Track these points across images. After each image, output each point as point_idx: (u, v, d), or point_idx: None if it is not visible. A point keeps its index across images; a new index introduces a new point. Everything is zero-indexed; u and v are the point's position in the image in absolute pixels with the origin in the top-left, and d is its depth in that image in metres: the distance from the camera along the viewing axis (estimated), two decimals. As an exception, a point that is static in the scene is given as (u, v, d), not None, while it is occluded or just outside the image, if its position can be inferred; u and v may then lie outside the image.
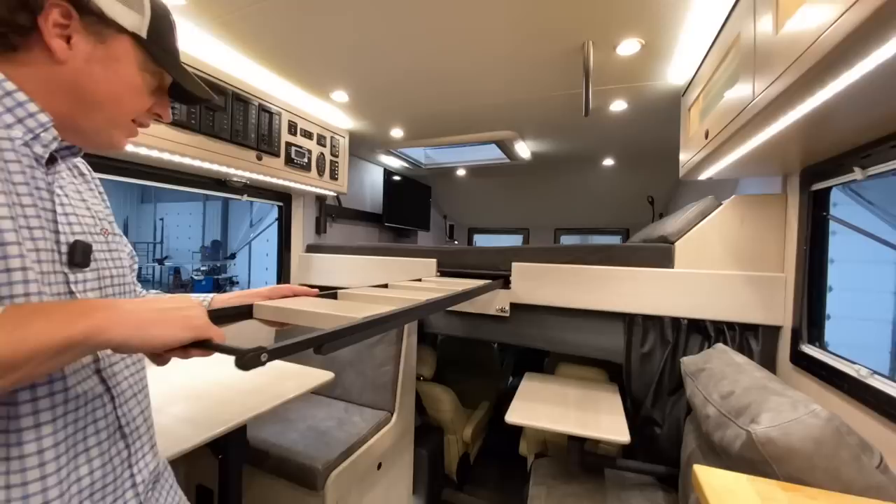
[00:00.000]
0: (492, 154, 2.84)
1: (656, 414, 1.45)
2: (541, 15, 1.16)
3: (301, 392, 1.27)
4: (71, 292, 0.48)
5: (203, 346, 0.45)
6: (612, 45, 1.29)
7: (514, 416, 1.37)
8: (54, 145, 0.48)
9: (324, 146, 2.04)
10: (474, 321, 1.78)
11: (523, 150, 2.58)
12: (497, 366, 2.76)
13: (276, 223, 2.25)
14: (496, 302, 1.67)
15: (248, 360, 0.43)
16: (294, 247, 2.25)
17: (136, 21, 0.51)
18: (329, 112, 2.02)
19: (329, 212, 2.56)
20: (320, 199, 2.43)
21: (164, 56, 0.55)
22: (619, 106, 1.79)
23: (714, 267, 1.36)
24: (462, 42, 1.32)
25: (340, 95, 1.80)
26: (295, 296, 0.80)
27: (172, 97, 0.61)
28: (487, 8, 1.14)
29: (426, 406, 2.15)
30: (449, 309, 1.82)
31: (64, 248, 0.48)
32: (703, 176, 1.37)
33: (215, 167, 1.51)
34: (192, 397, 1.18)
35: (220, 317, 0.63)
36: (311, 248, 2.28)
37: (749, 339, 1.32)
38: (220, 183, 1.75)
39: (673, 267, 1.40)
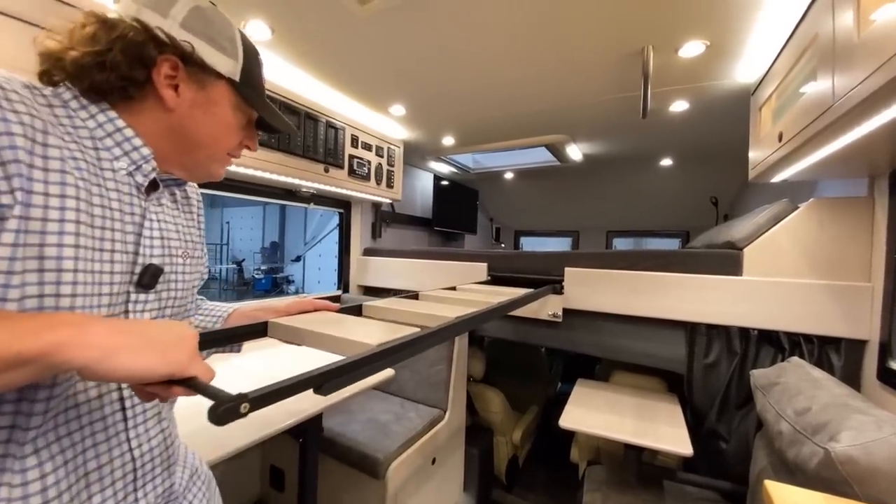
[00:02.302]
0: (541, 157, 2.83)
1: (721, 428, 1.38)
2: (600, 25, 1.17)
3: (366, 387, 1.37)
4: (126, 311, 0.51)
5: (183, 384, 0.40)
6: (673, 48, 1.26)
7: (567, 421, 1.38)
8: (153, 175, 0.53)
9: (381, 157, 2.16)
10: (525, 325, 1.80)
11: (574, 152, 2.55)
12: (546, 370, 2.74)
13: (338, 228, 2.42)
14: (548, 307, 1.68)
15: (222, 413, 0.36)
16: (353, 250, 2.39)
17: (232, 67, 0.56)
18: (387, 125, 2.13)
19: (383, 217, 2.69)
20: (376, 205, 2.57)
21: (253, 96, 0.60)
22: (679, 106, 1.73)
23: (789, 275, 1.28)
24: (516, 52, 1.36)
25: (398, 109, 1.91)
26: (315, 310, 0.79)
27: (258, 128, 0.66)
28: (546, 21, 1.17)
29: (477, 406, 2.20)
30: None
31: (138, 269, 0.52)
32: (778, 178, 1.30)
33: (289, 179, 1.67)
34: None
35: (233, 336, 0.65)
36: (367, 252, 2.42)
37: (829, 353, 1.22)
38: (291, 193, 1.93)
39: (741, 274, 1.33)
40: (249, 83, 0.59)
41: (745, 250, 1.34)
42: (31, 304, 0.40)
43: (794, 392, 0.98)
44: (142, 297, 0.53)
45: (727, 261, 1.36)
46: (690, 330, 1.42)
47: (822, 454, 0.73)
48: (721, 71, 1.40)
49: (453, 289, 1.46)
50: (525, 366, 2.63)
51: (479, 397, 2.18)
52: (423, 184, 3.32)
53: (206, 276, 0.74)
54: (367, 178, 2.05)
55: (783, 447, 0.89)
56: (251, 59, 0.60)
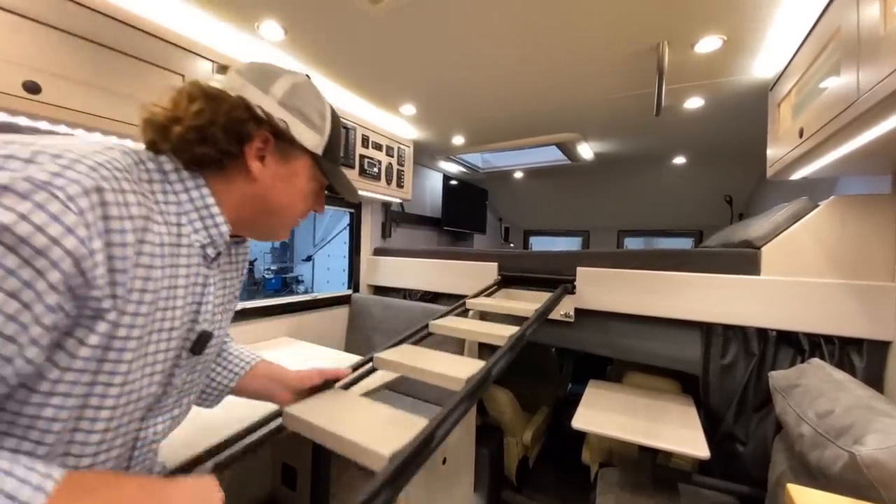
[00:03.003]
0: (551, 156, 2.81)
1: (738, 430, 1.36)
2: (613, 21, 1.16)
3: (377, 385, 1.37)
4: (172, 374, 0.53)
5: None
6: (689, 43, 1.24)
7: (580, 422, 1.37)
8: (221, 248, 0.56)
9: (391, 157, 2.17)
10: (540, 325, 1.78)
11: (586, 151, 2.53)
12: (556, 371, 2.72)
13: (347, 228, 2.43)
14: (560, 307, 1.67)
15: None
16: (363, 250, 2.41)
17: (317, 142, 0.59)
18: (397, 124, 2.14)
19: (393, 217, 2.70)
20: (386, 205, 2.58)
21: (331, 169, 0.62)
22: (694, 103, 1.70)
23: (809, 274, 1.25)
24: (527, 50, 1.35)
25: (408, 109, 1.91)
26: (325, 380, 0.80)
27: (327, 191, 0.67)
28: (557, 18, 1.16)
29: (487, 407, 2.19)
30: (508, 313, 1.85)
31: (193, 337, 0.54)
32: (797, 175, 1.27)
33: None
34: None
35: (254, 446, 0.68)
36: (377, 252, 2.43)
37: (851, 354, 1.19)
38: (302, 192, 1.94)
39: (759, 274, 1.31)
40: (330, 156, 0.62)
41: (764, 249, 1.31)
42: (79, 390, 0.41)
43: (815, 394, 0.95)
44: (188, 360, 0.55)
45: (744, 260, 1.34)
46: (706, 330, 1.40)
47: (846, 457, 0.72)
48: (738, 66, 1.37)
49: (464, 312, 1.50)
50: (536, 366, 2.61)
51: (489, 397, 2.17)
52: (433, 183, 3.32)
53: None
54: (377, 177, 2.05)
55: (804, 450, 0.87)
56: (335, 131, 0.62)
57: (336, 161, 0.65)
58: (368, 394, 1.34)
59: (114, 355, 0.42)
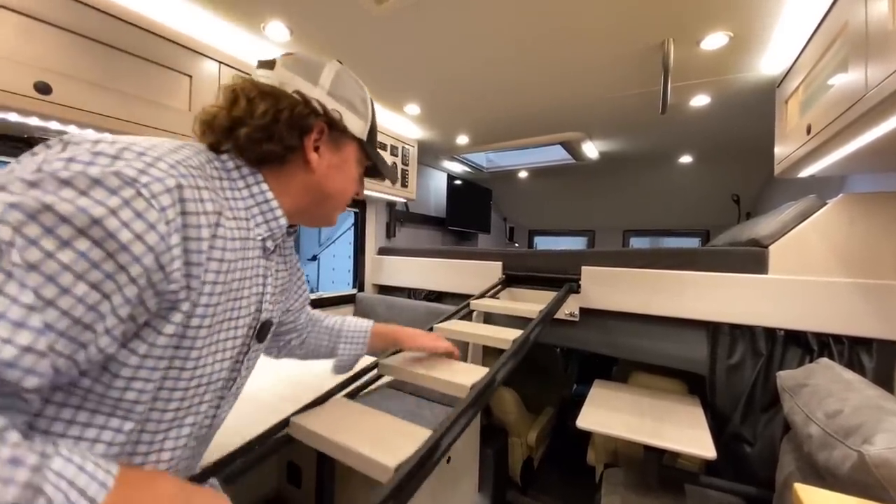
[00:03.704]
0: (556, 155, 2.80)
1: (746, 431, 1.34)
2: (619, 17, 1.15)
3: (381, 384, 1.37)
4: (240, 361, 0.56)
5: None
6: (694, 40, 1.23)
7: (585, 421, 1.36)
8: (280, 241, 0.59)
9: (396, 156, 2.17)
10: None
11: (591, 150, 2.52)
12: (561, 371, 2.71)
13: (352, 228, 2.44)
14: (565, 306, 1.66)
15: None
16: (368, 249, 2.41)
17: (363, 128, 0.61)
18: (401, 124, 2.15)
19: (397, 217, 2.71)
20: (391, 205, 2.58)
21: (374, 153, 0.65)
22: (700, 101, 1.69)
23: (817, 273, 1.23)
24: (532, 49, 1.35)
25: (413, 108, 1.91)
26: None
27: (365, 174, 0.70)
28: (562, 16, 1.16)
29: (491, 407, 2.19)
30: (512, 314, 1.85)
31: (257, 325, 0.57)
32: (805, 173, 1.25)
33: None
34: (293, 381, 1.34)
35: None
36: (382, 251, 2.44)
37: (860, 354, 1.18)
38: (307, 192, 1.95)
39: (766, 273, 1.29)
40: (371, 139, 0.65)
41: (771, 248, 1.30)
42: (157, 375, 0.43)
43: (824, 394, 0.94)
44: (255, 346, 0.58)
45: (752, 259, 1.33)
46: (713, 330, 1.39)
47: (855, 457, 0.71)
48: (745, 63, 1.36)
49: (469, 313, 1.49)
50: (540, 366, 2.60)
51: (493, 398, 2.17)
52: (437, 183, 3.32)
53: (308, 297, 0.83)
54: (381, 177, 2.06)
55: (813, 451, 0.86)
56: (374, 114, 0.65)
57: (375, 143, 0.67)
58: (371, 392, 1.34)
59: (187, 342, 0.44)
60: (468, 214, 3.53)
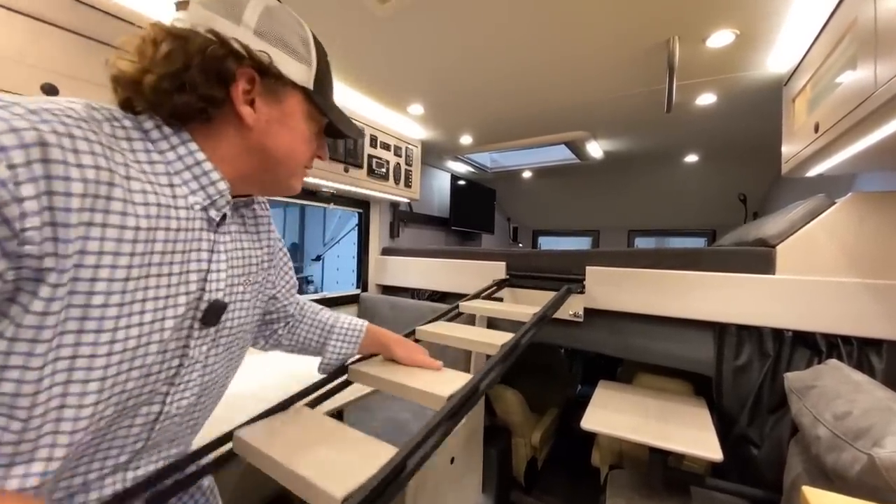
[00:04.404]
0: (560, 155, 2.79)
1: (753, 433, 1.33)
2: (623, 15, 1.15)
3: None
4: (186, 347, 0.49)
5: None
6: (700, 38, 1.22)
7: (589, 422, 1.35)
8: (226, 210, 0.51)
9: (399, 156, 2.18)
10: (547, 325, 1.77)
11: (595, 149, 2.51)
12: (565, 372, 2.70)
13: (356, 229, 2.45)
14: (569, 306, 1.65)
15: None
16: (371, 249, 2.42)
17: (306, 74, 0.52)
18: (405, 124, 2.15)
19: (401, 217, 2.71)
20: (394, 205, 2.59)
21: (325, 104, 0.56)
22: (706, 99, 1.68)
23: (826, 273, 1.22)
24: (540, 48, 1.35)
25: (416, 108, 1.92)
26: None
27: (326, 134, 0.62)
28: (566, 14, 1.15)
29: (495, 407, 2.18)
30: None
31: (203, 307, 0.49)
32: (813, 172, 1.24)
33: (311, 180, 1.69)
34: (297, 378, 1.34)
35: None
36: (386, 251, 2.44)
37: (870, 355, 1.16)
38: (311, 193, 1.96)
39: (774, 273, 1.28)
40: (321, 90, 0.55)
41: (779, 248, 1.29)
42: (65, 352, 0.38)
43: (832, 396, 0.93)
44: (202, 332, 0.51)
45: (759, 259, 1.31)
46: (719, 331, 1.37)
47: (865, 460, 0.70)
48: (751, 61, 1.35)
49: (457, 315, 1.36)
50: (544, 367, 2.59)
51: (497, 398, 2.16)
52: (441, 183, 3.32)
53: (295, 283, 0.78)
54: (385, 177, 2.06)
55: (821, 453, 0.84)
56: (322, 61, 0.56)
57: (329, 95, 0.58)
58: (361, 398, 1.28)
59: (76, 324, 0.38)
60: (472, 215, 3.52)
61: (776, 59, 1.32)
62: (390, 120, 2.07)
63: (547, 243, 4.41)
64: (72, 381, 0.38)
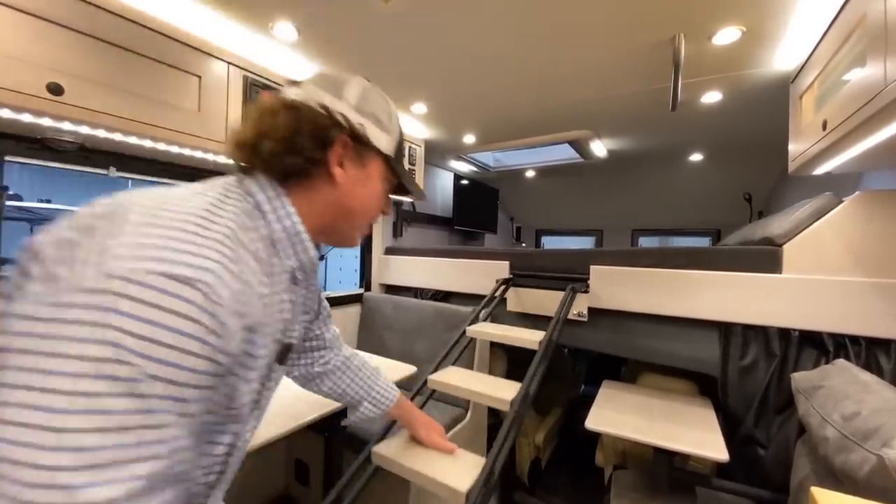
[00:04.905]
0: (564, 154, 2.78)
1: (759, 433, 1.32)
2: (628, 12, 1.14)
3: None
4: (263, 385, 0.56)
5: None
6: (706, 35, 1.21)
7: (593, 422, 1.34)
8: (310, 270, 0.59)
9: (403, 156, 2.17)
10: (548, 324, 1.77)
11: (599, 148, 2.50)
12: (569, 372, 2.69)
13: (359, 227, 2.45)
14: (573, 306, 1.65)
15: None
16: (375, 249, 2.42)
17: (388, 143, 0.60)
18: (408, 123, 2.15)
19: (404, 217, 2.71)
20: (397, 204, 2.59)
21: (401, 169, 0.63)
22: (712, 97, 1.66)
23: (833, 272, 1.20)
24: (543, 46, 1.34)
25: (419, 108, 1.91)
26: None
27: (392, 192, 0.69)
28: (570, 12, 1.15)
29: (498, 406, 2.18)
30: (521, 311, 1.84)
31: (281, 349, 0.57)
32: (821, 170, 1.23)
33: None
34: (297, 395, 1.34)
35: None
36: (389, 251, 2.44)
37: (878, 355, 1.15)
38: (315, 192, 1.96)
39: (780, 272, 1.27)
40: (398, 156, 0.63)
41: (785, 247, 1.28)
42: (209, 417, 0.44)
43: (840, 396, 0.92)
44: (276, 369, 0.58)
45: (765, 258, 1.30)
46: (725, 330, 1.36)
47: (874, 461, 0.69)
48: (758, 58, 1.33)
49: (468, 341, 1.52)
50: (548, 366, 2.58)
51: (500, 397, 2.16)
52: (444, 183, 3.32)
53: (329, 311, 0.86)
54: (389, 176, 2.06)
55: (829, 454, 0.84)
56: (401, 130, 0.65)
57: (402, 160, 0.66)
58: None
59: (225, 380, 0.44)
60: (475, 214, 3.52)
61: (783, 57, 1.31)
62: (393, 119, 2.06)
63: (550, 243, 4.40)
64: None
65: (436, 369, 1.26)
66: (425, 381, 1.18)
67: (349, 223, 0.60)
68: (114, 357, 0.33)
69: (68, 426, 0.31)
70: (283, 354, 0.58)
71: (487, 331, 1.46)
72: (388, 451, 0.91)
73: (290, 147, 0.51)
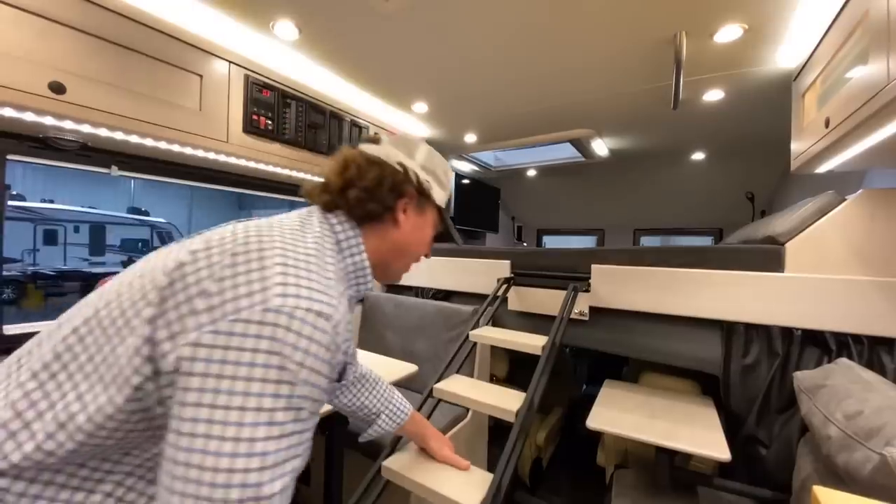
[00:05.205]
0: (565, 153, 2.78)
1: (761, 433, 1.31)
2: (629, 10, 1.14)
3: (389, 381, 1.37)
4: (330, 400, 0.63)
5: None
6: (708, 32, 1.21)
7: (595, 421, 1.34)
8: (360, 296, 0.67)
9: (404, 154, 2.18)
10: (550, 323, 1.76)
11: (600, 147, 2.49)
12: (570, 371, 2.68)
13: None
14: (575, 305, 1.64)
15: None
16: (376, 248, 2.42)
17: (443, 197, 0.72)
18: (409, 123, 2.15)
19: (406, 215, 2.70)
20: (399, 203, 2.59)
21: (448, 219, 0.75)
22: (714, 96, 1.66)
23: (836, 271, 1.20)
24: (545, 44, 1.34)
25: (420, 106, 1.91)
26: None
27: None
28: (571, 9, 1.14)
29: (500, 406, 2.17)
30: (522, 310, 1.83)
31: (342, 367, 0.61)
32: (823, 168, 1.22)
33: (315, 178, 1.70)
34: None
35: None
36: (390, 250, 2.44)
37: (881, 354, 1.14)
38: (316, 191, 1.97)
39: (783, 270, 1.26)
40: (448, 207, 0.75)
41: (788, 245, 1.27)
42: None
43: (843, 395, 0.91)
44: (337, 386, 0.69)
45: (768, 256, 1.29)
46: (727, 329, 1.36)
47: (877, 460, 0.68)
48: (760, 56, 1.33)
49: (471, 346, 1.52)
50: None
51: (502, 396, 2.15)
52: (445, 182, 3.32)
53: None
54: (390, 176, 2.07)
55: (832, 453, 0.83)
56: (450, 187, 0.76)
57: (449, 210, 0.77)
58: None
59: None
60: (476, 214, 3.52)
61: (785, 54, 1.30)
62: (394, 118, 2.06)
63: (551, 243, 4.39)
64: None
65: (440, 377, 1.27)
66: (431, 391, 1.20)
67: (401, 261, 0.71)
68: (280, 378, 0.41)
69: (256, 436, 0.39)
70: (343, 372, 0.63)
71: (490, 335, 1.48)
72: (398, 465, 0.93)
73: (373, 196, 0.62)
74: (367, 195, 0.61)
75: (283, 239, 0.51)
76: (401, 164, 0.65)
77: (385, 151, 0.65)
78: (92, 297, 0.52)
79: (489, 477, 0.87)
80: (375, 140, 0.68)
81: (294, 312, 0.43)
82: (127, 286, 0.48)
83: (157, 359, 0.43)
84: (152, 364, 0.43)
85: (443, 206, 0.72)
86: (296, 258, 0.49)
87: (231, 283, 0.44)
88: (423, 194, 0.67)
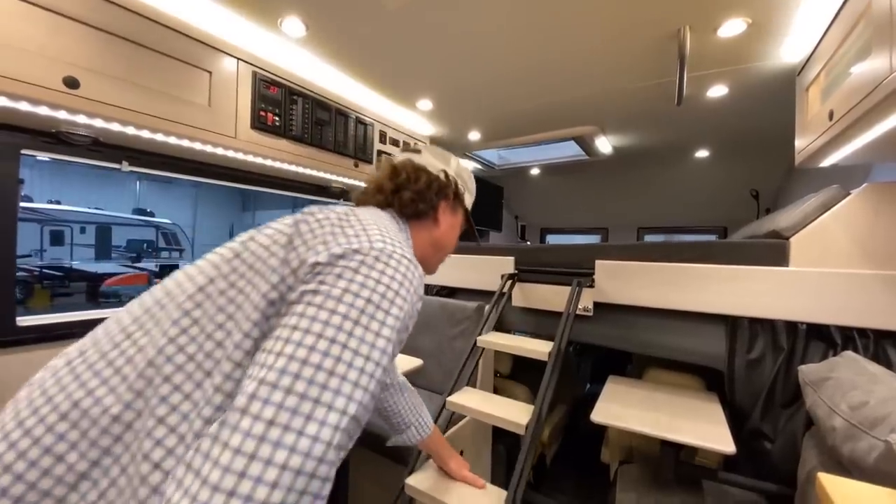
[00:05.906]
0: (569, 151, 2.78)
1: (766, 427, 1.31)
2: (633, 5, 1.14)
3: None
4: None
5: None
6: (712, 27, 1.21)
7: (599, 415, 1.34)
8: None
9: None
10: (553, 319, 1.77)
11: (604, 145, 2.49)
12: (574, 368, 2.68)
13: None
14: (579, 301, 1.65)
15: None
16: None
17: (470, 201, 0.84)
18: (413, 120, 2.16)
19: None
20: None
21: (471, 220, 0.86)
22: (718, 91, 1.66)
23: (840, 265, 1.20)
24: (549, 41, 1.35)
25: (425, 104, 1.93)
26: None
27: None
28: (577, 5, 1.15)
29: (503, 403, 2.18)
30: (525, 306, 1.84)
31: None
32: (827, 162, 1.22)
33: (321, 174, 1.72)
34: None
35: None
36: (394, 248, 2.45)
37: (886, 347, 1.14)
38: (321, 189, 1.98)
39: (787, 265, 1.26)
40: (472, 209, 0.86)
41: (792, 240, 1.27)
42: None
43: (848, 387, 0.92)
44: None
45: (772, 251, 1.29)
46: (732, 324, 1.36)
47: (882, 447, 0.69)
48: (764, 51, 1.33)
49: (480, 353, 1.59)
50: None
51: (504, 393, 2.16)
52: (449, 181, 3.33)
53: None
54: (394, 173, 2.08)
55: (837, 444, 0.83)
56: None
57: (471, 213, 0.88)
58: None
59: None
60: (479, 212, 3.51)
61: (789, 48, 1.30)
62: (399, 116, 2.08)
63: (555, 241, 4.39)
64: None
65: (453, 387, 1.36)
66: (444, 404, 1.30)
67: (437, 256, 0.80)
68: (380, 303, 0.46)
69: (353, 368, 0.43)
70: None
71: (497, 341, 1.53)
72: (421, 484, 1.02)
73: (423, 197, 0.72)
74: (419, 196, 0.71)
75: (374, 217, 0.59)
76: (444, 172, 0.76)
77: (426, 160, 0.76)
78: (176, 278, 0.57)
79: (503, 494, 0.96)
80: (416, 150, 0.79)
81: (393, 254, 0.51)
82: (227, 261, 0.55)
83: (284, 292, 0.48)
84: (278, 292, 0.49)
85: (468, 208, 0.83)
86: (388, 228, 0.58)
87: (342, 233, 0.52)
88: (458, 198, 0.78)
